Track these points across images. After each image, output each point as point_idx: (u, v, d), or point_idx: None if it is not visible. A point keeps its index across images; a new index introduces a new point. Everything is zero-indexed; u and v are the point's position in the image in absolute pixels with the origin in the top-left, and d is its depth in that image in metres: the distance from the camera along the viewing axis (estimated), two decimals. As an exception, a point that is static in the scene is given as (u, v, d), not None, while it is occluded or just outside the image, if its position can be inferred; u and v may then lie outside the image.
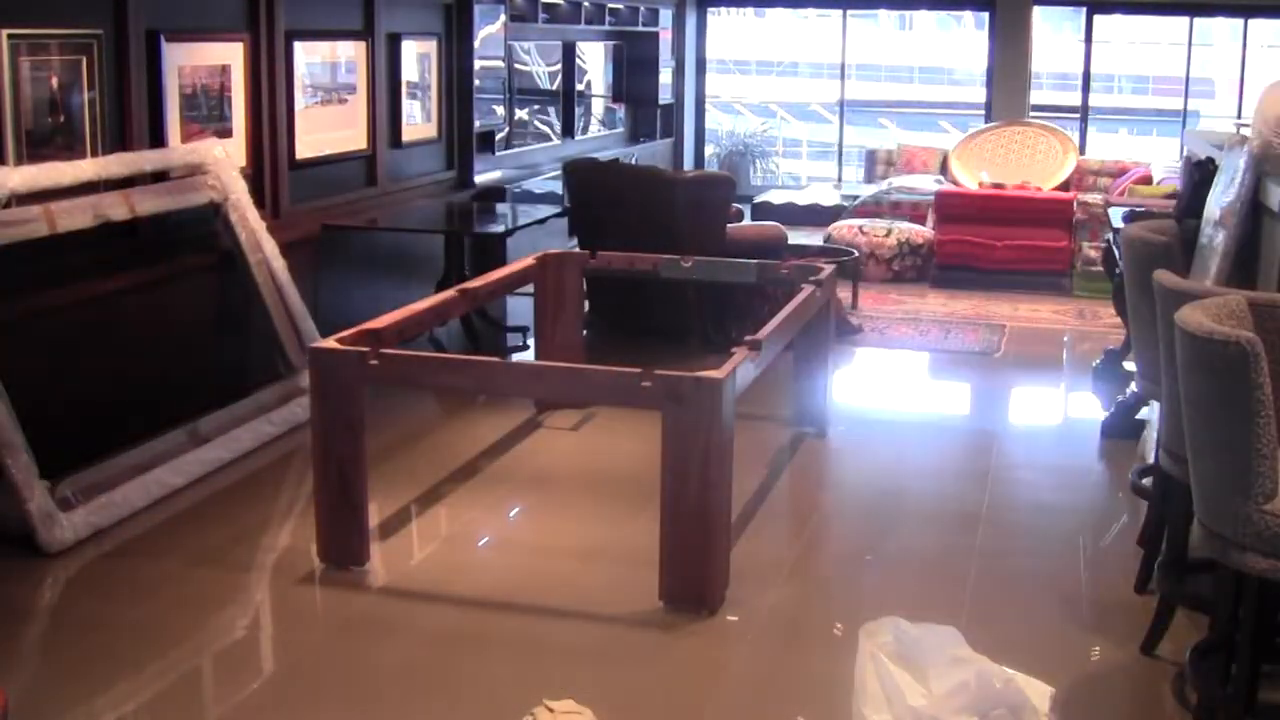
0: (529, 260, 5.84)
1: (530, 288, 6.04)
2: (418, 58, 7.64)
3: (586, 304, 5.74)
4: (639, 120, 11.75)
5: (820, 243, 9.78)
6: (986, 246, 9.36)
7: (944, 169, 10.66)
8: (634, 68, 11.47)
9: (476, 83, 8.16)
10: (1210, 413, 3.02)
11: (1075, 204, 9.49)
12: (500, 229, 7.20)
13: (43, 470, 4.51)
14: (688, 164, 12.65)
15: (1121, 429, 5.92)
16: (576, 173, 7.39)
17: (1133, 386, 5.62)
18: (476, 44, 8.12)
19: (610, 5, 10.46)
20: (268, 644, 4.06)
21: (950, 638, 3.25)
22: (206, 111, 5.89)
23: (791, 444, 5.79)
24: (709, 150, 13.48)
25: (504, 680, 3.67)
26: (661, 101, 11.80)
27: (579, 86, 10.51)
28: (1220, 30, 12.44)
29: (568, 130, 10.28)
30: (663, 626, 3.99)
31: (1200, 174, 5.64)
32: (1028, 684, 3.15)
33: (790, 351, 5.72)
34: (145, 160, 5.39)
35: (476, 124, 8.22)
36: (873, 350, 7.67)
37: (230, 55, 6.03)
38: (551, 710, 3.16)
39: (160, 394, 5.44)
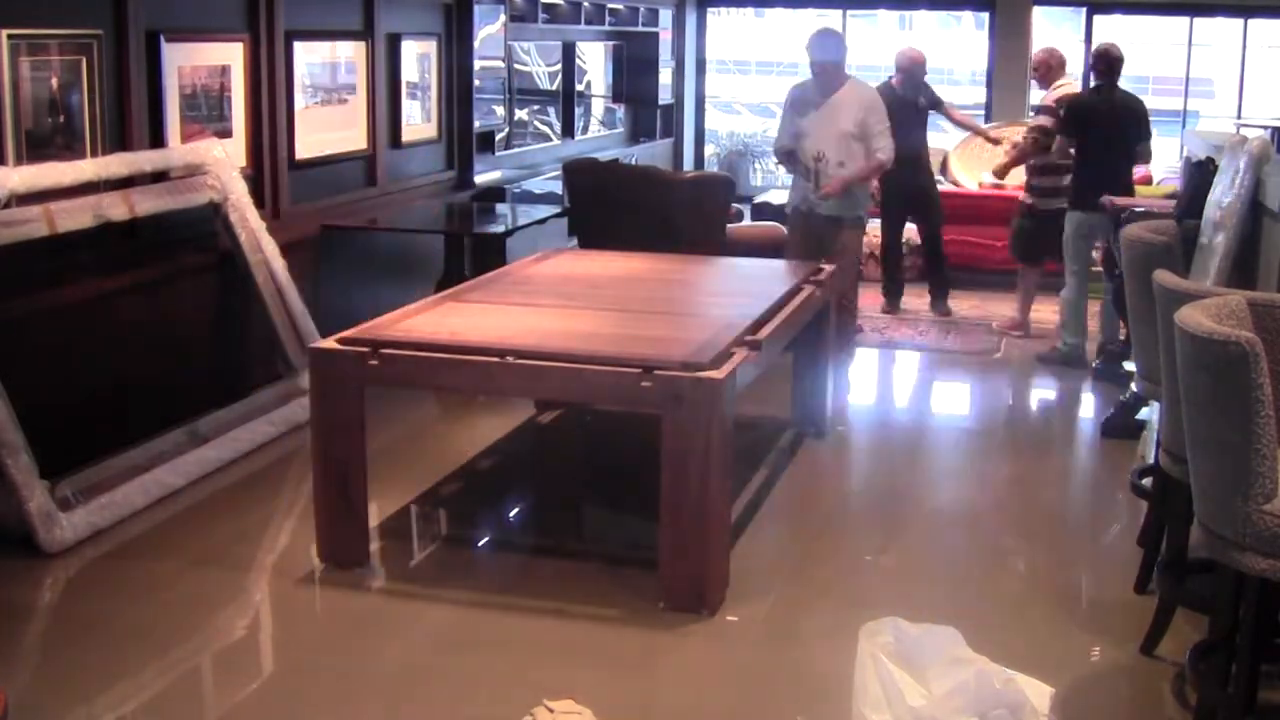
0: (529, 260, 5.84)
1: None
2: (418, 58, 7.64)
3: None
4: (639, 120, 11.74)
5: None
6: (986, 246, 9.35)
7: (944, 169, 10.65)
8: (634, 68, 11.46)
9: (476, 83, 8.16)
10: (1210, 413, 3.02)
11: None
12: (500, 229, 7.20)
13: (43, 470, 4.51)
14: (688, 164, 12.64)
15: (1121, 429, 5.92)
16: (576, 173, 7.38)
17: (1133, 386, 5.62)
18: (476, 44, 8.12)
19: (610, 5, 10.45)
20: (268, 644, 4.07)
21: (950, 638, 3.25)
22: (206, 111, 5.89)
23: (791, 444, 5.79)
24: (709, 150, 13.47)
25: (504, 680, 3.67)
26: (661, 101, 11.79)
27: (579, 86, 10.51)
28: (1220, 30, 12.42)
29: (568, 130, 10.28)
30: (663, 626, 3.99)
31: (1200, 174, 5.64)
32: (1028, 684, 3.14)
33: (790, 351, 5.73)
34: (145, 160, 5.39)
35: (476, 124, 8.22)
36: (873, 350, 7.68)
37: (230, 55, 6.03)
38: (551, 710, 3.15)
39: (160, 394, 5.44)
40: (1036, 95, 8.43)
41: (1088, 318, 7.41)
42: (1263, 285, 4.76)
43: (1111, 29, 12.38)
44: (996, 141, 9.32)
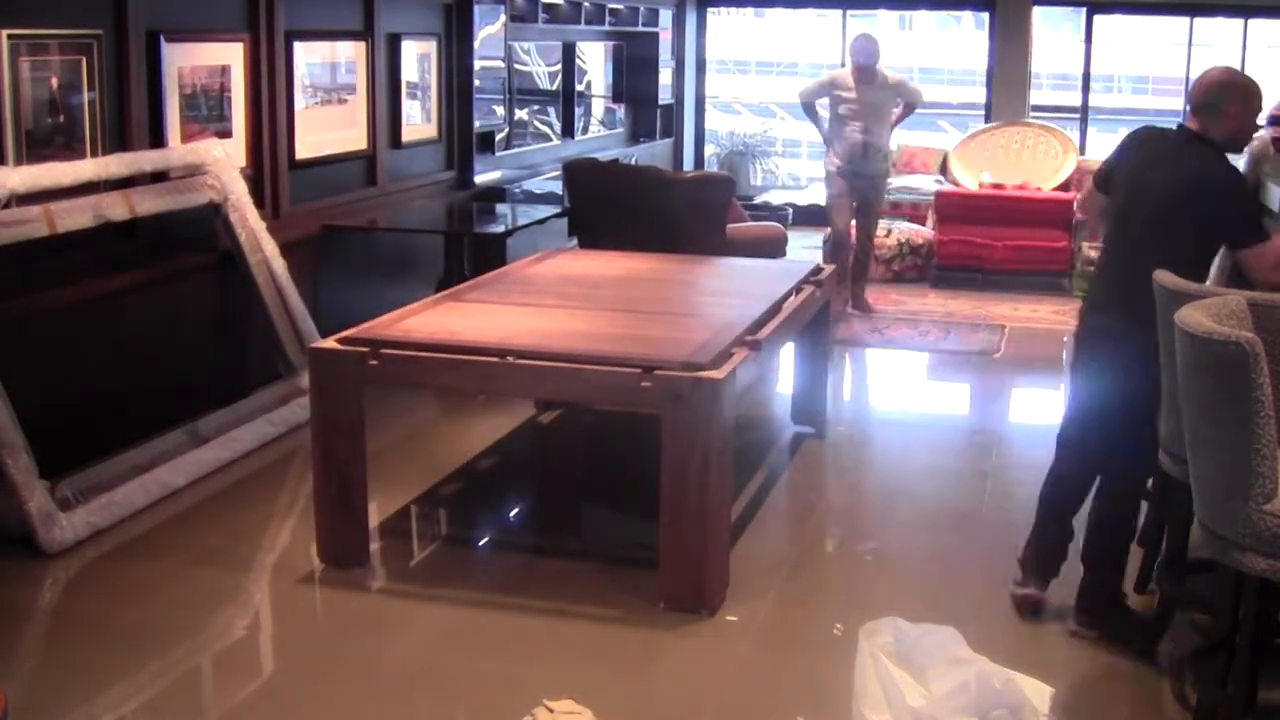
0: (529, 260, 5.84)
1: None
2: (418, 58, 7.64)
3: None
4: (639, 120, 11.73)
5: (819, 243, 9.78)
6: (986, 246, 9.35)
7: (944, 169, 10.65)
8: (634, 68, 11.46)
9: (476, 83, 8.16)
10: (1210, 413, 3.02)
11: (1075, 204, 9.48)
12: (500, 229, 7.20)
13: (43, 470, 4.51)
14: (688, 164, 12.64)
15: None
16: (576, 173, 7.38)
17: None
18: (476, 44, 8.11)
19: (610, 5, 10.45)
20: (268, 644, 4.07)
21: (950, 638, 3.25)
22: (206, 111, 5.89)
23: (791, 444, 5.79)
24: (709, 150, 13.46)
25: (504, 680, 3.67)
26: (661, 101, 11.79)
27: (579, 86, 10.50)
28: (1220, 30, 12.42)
29: (568, 130, 10.27)
30: (663, 626, 3.99)
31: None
32: (1028, 684, 3.15)
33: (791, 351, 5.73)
34: (145, 160, 5.39)
35: (476, 124, 8.22)
36: (873, 350, 7.67)
37: (230, 55, 6.03)
38: (551, 710, 3.16)
39: (160, 394, 5.44)
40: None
41: None
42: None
43: (1112, 29, 12.39)
44: None
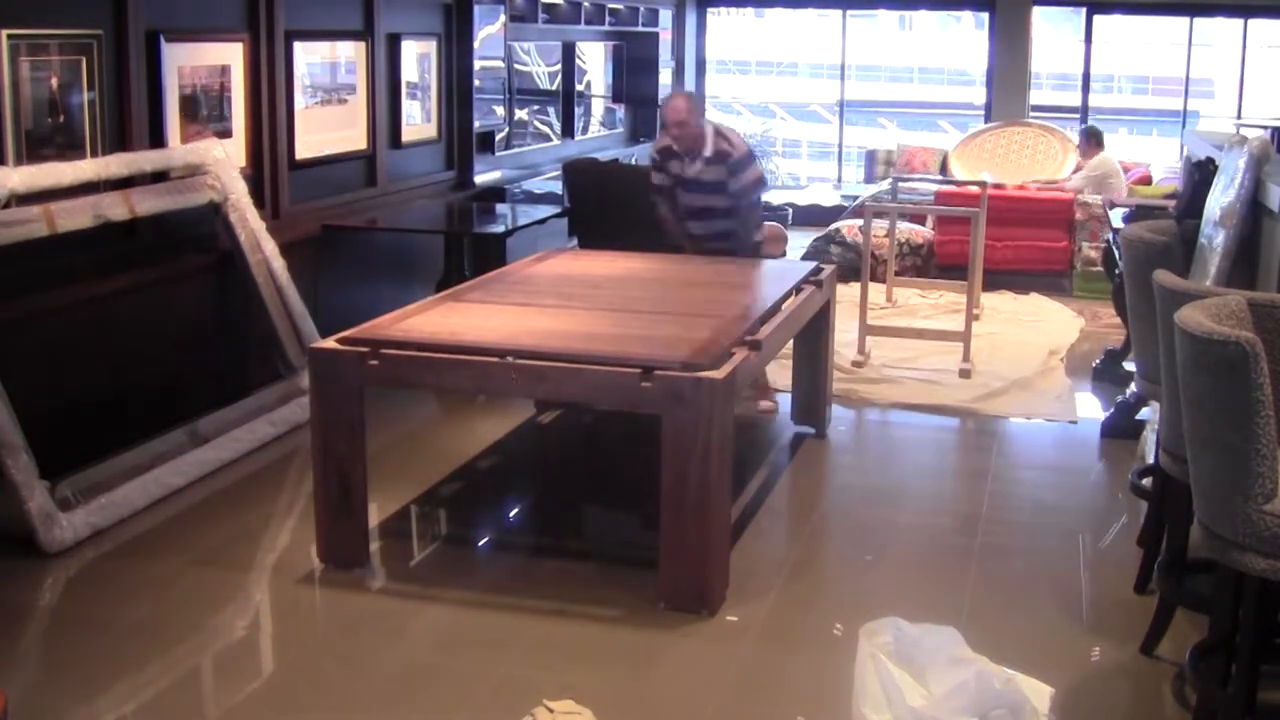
0: (529, 260, 5.84)
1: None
2: (418, 58, 7.64)
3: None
4: (639, 120, 11.74)
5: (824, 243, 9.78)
6: (986, 246, 9.34)
7: (944, 169, 10.65)
8: (634, 68, 11.46)
9: (476, 83, 8.16)
10: (1210, 413, 3.02)
11: (1075, 204, 9.48)
12: (500, 229, 7.20)
13: (43, 470, 4.51)
14: (688, 164, 12.63)
15: (1121, 429, 5.92)
16: (576, 173, 7.39)
17: (1133, 386, 5.62)
18: (476, 44, 8.12)
19: (610, 5, 10.45)
20: (268, 644, 4.07)
21: (950, 638, 3.25)
22: (206, 111, 5.89)
23: (791, 444, 5.79)
24: (709, 150, 13.46)
25: (504, 680, 3.67)
26: (661, 102, 11.81)
27: (579, 86, 10.51)
28: (1220, 30, 12.43)
29: (568, 130, 10.28)
30: (663, 626, 3.99)
31: (1200, 174, 5.64)
32: (1028, 684, 3.15)
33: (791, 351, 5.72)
34: (145, 160, 5.39)
35: (476, 124, 8.22)
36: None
37: (230, 55, 6.03)
38: (551, 710, 3.16)
39: (160, 394, 5.44)
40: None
41: None
42: (1263, 285, 4.76)
43: (1112, 29, 12.40)
44: None
